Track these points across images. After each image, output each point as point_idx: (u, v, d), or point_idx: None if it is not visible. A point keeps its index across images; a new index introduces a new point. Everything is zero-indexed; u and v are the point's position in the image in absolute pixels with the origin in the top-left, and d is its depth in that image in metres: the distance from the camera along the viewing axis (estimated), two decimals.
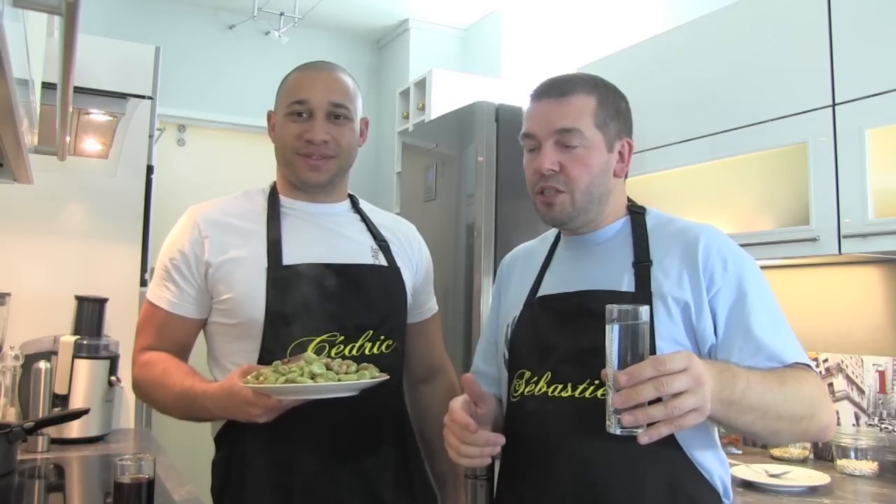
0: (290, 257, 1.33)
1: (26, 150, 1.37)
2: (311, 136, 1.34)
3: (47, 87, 1.39)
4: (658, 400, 0.90)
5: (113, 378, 2.11)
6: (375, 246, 1.43)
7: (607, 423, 0.94)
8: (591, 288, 1.18)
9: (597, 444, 1.04)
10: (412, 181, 3.06)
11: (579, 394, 1.12)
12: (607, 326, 0.95)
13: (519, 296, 1.29)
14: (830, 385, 2.09)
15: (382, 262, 1.42)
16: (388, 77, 4.44)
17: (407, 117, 3.90)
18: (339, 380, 1.11)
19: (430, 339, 1.57)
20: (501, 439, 1.11)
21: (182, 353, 1.37)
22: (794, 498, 1.65)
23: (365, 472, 1.32)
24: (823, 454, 2.04)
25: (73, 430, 2.00)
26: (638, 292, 1.14)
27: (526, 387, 1.19)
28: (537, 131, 1.19)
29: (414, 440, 1.46)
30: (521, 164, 1.30)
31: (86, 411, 1.83)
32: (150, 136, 2.46)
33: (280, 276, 1.30)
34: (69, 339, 2.06)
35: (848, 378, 2.05)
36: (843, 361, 2.07)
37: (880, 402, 1.97)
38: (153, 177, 2.46)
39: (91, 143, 2.35)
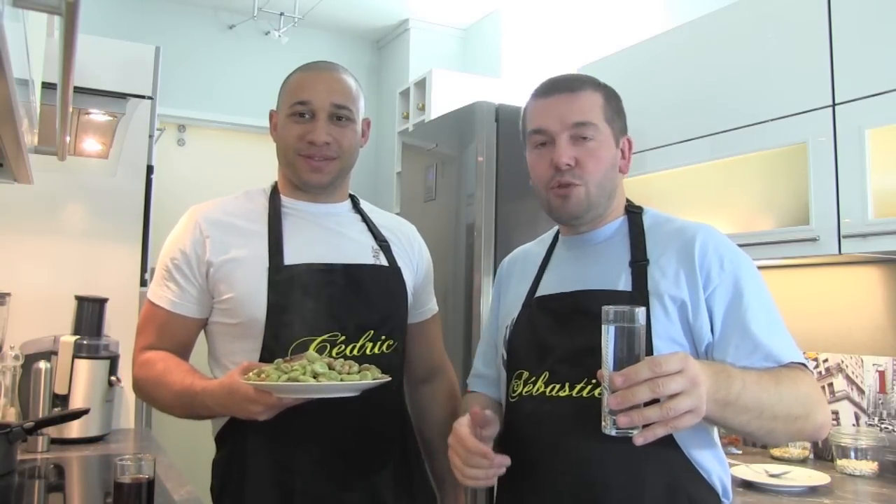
0: (291, 257, 1.33)
1: (26, 150, 1.37)
2: (312, 138, 1.34)
3: (47, 87, 1.39)
4: (654, 401, 0.90)
5: (113, 378, 2.11)
6: (376, 246, 1.43)
7: (603, 423, 0.94)
8: (588, 288, 1.19)
9: (595, 443, 1.04)
10: (412, 181, 3.06)
11: (577, 393, 1.12)
12: (603, 327, 0.95)
13: (518, 297, 1.30)
14: (830, 385, 2.09)
15: (383, 262, 1.42)
16: (388, 77, 4.44)
17: (407, 117, 3.90)
18: (341, 380, 1.11)
19: (431, 339, 1.57)
20: (507, 461, 1.10)
21: (183, 352, 1.37)
22: (794, 498, 1.65)
23: (365, 472, 1.32)
24: (823, 454, 2.04)
25: (73, 430, 2.00)
26: (635, 291, 1.14)
27: (524, 387, 1.19)
28: (551, 126, 1.19)
29: (414, 440, 1.46)
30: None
31: (86, 411, 1.83)
32: (150, 136, 2.46)
33: (281, 276, 1.30)
34: (69, 339, 2.06)
35: (848, 378, 2.05)
36: (843, 361, 2.07)
37: (880, 402, 1.97)
38: (153, 177, 2.46)
39: (91, 143, 2.35)
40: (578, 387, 1.12)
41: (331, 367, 1.13)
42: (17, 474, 1.64)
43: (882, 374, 1.98)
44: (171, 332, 1.35)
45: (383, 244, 1.44)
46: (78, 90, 2.07)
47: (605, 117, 1.21)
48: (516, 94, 3.22)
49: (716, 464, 1.13)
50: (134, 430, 2.29)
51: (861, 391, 2.02)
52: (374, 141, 4.31)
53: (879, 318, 2.02)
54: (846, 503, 1.63)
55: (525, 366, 1.21)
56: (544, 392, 1.16)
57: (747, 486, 1.72)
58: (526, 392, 1.19)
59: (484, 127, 2.55)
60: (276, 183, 1.45)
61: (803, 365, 1.11)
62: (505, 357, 1.27)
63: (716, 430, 1.17)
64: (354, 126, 1.40)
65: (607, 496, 1.08)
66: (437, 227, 2.68)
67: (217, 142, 4.19)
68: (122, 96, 2.36)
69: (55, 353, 2.05)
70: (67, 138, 1.77)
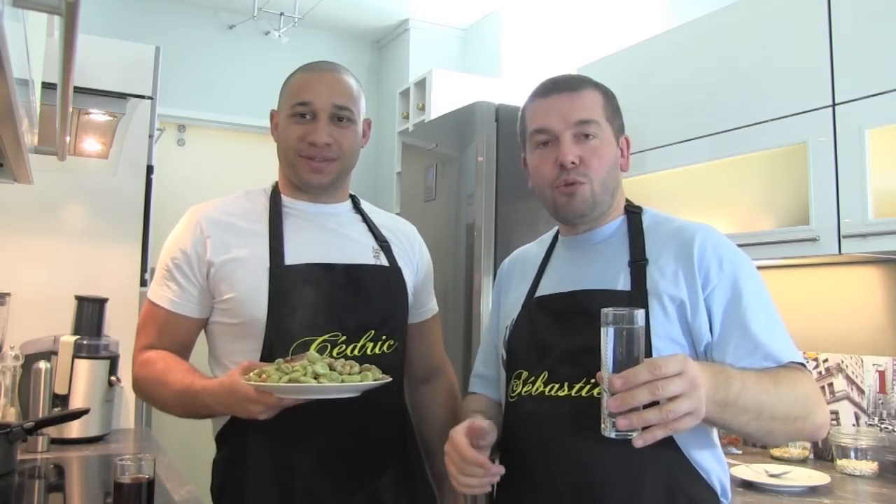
0: (292, 257, 1.33)
1: (26, 150, 1.37)
2: (313, 139, 1.33)
3: (47, 87, 1.39)
4: (654, 403, 0.90)
5: (113, 378, 2.11)
6: (377, 246, 1.43)
7: (602, 426, 0.94)
8: (587, 287, 1.19)
9: (594, 443, 1.03)
10: (412, 181, 3.06)
11: (576, 393, 1.12)
12: (602, 329, 0.95)
13: (517, 297, 1.30)
14: (830, 385, 2.09)
15: (384, 262, 1.42)
16: (388, 77, 4.44)
17: (407, 117, 3.90)
18: (342, 380, 1.11)
19: (431, 339, 1.57)
20: (502, 470, 1.11)
21: (183, 352, 1.37)
22: (794, 498, 1.65)
23: (365, 472, 1.32)
24: (823, 454, 2.04)
25: (73, 430, 2.00)
26: (634, 291, 1.14)
27: (523, 387, 1.19)
28: (554, 125, 1.20)
29: (414, 440, 1.46)
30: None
31: (86, 411, 1.83)
32: (150, 136, 2.46)
33: (282, 276, 1.30)
34: (69, 339, 2.06)
35: (848, 378, 2.05)
36: (843, 361, 2.07)
37: (880, 402, 1.97)
38: (153, 177, 2.46)
39: (91, 143, 2.35)
40: (577, 386, 1.12)
41: (332, 368, 1.13)
42: (17, 474, 1.64)
43: (882, 374, 1.98)
44: (172, 332, 1.35)
45: (384, 244, 1.44)
46: (78, 90, 2.07)
47: (606, 116, 1.22)
48: (516, 94, 3.22)
49: (715, 464, 1.13)
50: (134, 430, 2.29)
51: (861, 391, 2.02)
52: (374, 141, 4.30)
53: (879, 318, 2.02)
54: (846, 503, 1.63)
55: (524, 365, 1.21)
56: (543, 392, 1.16)
57: (747, 486, 1.72)
58: (525, 392, 1.19)
59: (484, 127, 2.55)
60: (276, 183, 1.45)
61: (802, 365, 1.12)
62: (504, 357, 1.27)
63: (715, 430, 1.16)
64: (355, 127, 1.39)
65: (606, 496, 1.08)
66: (437, 227, 2.68)
67: (217, 142, 4.19)
68: (122, 96, 2.36)
69: (55, 353, 2.05)
70: (67, 138, 1.77)
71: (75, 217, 2.33)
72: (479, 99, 2.62)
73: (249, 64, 4.09)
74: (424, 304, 1.54)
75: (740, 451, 2.12)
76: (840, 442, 1.90)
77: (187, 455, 2.35)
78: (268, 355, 1.26)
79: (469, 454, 1.09)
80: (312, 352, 1.18)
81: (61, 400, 2.02)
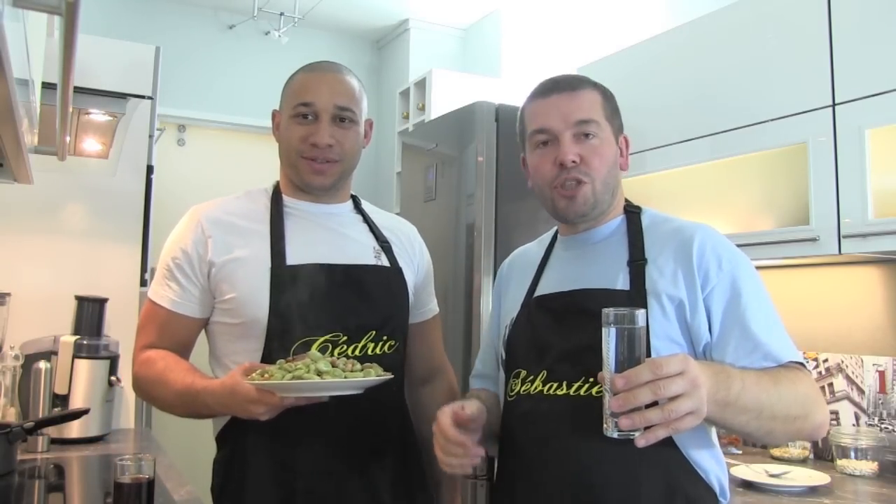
0: (293, 257, 1.33)
1: (26, 150, 1.37)
2: (315, 140, 1.33)
3: (47, 87, 1.39)
4: (655, 403, 0.90)
5: (113, 378, 2.11)
6: (378, 247, 1.43)
7: (604, 426, 0.94)
8: (586, 287, 1.19)
9: (592, 442, 1.04)
10: (412, 181, 3.06)
11: (575, 392, 1.12)
12: (604, 330, 0.95)
13: (517, 297, 1.30)
14: (830, 385, 2.09)
15: (385, 262, 1.42)
16: (388, 77, 4.44)
17: (407, 117, 3.90)
18: (345, 377, 1.11)
19: (431, 340, 1.57)
20: (482, 451, 1.12)
21: (183, 352, 1.36)
22: (794, 498, 1.65)
23: (366, 472, 1.32)
24: (823, 454, 2.04)
25: (73, 430, 2.00)
26: (633, 290, 1.14)
27: (522, 386, 1.20)
28: (554, 125, 1.20)
29: (414, 440, 1.46)
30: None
31: (86, 411, 1.84)
32: (150, 136, 2.46)
33: (283, 276, 1.30)
34: (69, 339, 2.06)
35: (848, 378, 2.05)
36: (843, 361, 2.07)
37: (880, 402, 1.97)
38: (153, 177, 2.46)
39: (91, 143, 2.35)
40: (576, 385, 1.12)
41: (333, 366, 1.13)
42: (17, 474, 1.64)
43: (882, 374, 1.98)
44: (172, 332, 1.35)
45: (385, 245, 1.44)
46: (78, 90, 2.07)
47: (605, 115, 1.22)
48: (516, 94, 3.21)
49: (713, 463, 1.13)
50: (134, 430, 2.29)
51: (861, 391, 2.02)
52: (375, 141, 4.27)
53: (879, 318, 2.02)
54: (846, 503, 1.63)
55: (523, 365, 1.21)
56: (542, 391, 1.16)
57: (747, 486, 1.72)
58: (524, 391, 1.19)
59: (484, 127, 2.55)
60: (277, 183, 1.45)
61: (801, 364, 1.12)
62: (503, 357, 1.28)
63: (713, 429, 1.17)
64: (357, 128, 1.39)
65: (604, 495, 1.08)
66: (437, 227, 2.68)
67: (217, 142, 4.19)
68: (122, 96, 2.36)
69: (55, 353, 2.05)
70: (67, 138, 1.77)
71: (75, 217, 2.33)
72: (479, 99, 2.62)
73: (249, 64, 4.09)
74: (425, 304, 1.54)
75: (740, 451, 2.12)
76: (840, 442, 1.90)
77: (187, 455, 2.35)
78: (269, 355, 1.26)
79: (451, 433, 1.10)
80: (314, 351, 1.18)
81: (61, 400, 2.02)
